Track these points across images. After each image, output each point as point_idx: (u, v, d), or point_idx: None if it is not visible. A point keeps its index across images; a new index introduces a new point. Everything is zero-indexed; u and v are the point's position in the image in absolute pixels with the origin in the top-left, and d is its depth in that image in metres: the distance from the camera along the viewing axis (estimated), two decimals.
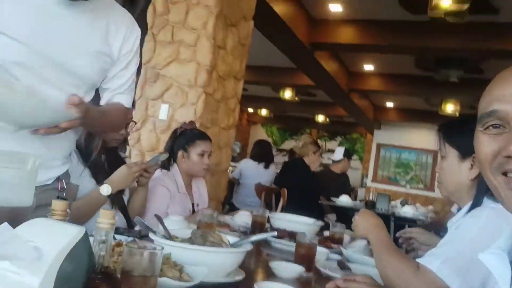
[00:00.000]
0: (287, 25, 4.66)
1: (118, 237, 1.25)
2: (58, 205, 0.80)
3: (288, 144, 13.80)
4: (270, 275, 1.23)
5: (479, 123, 0.71)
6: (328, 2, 5.02)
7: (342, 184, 4.68)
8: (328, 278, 1.31)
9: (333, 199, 4.10)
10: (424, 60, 6.36)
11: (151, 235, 1.07)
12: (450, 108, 7.61)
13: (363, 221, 1.34)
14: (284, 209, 4.02)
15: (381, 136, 11.10)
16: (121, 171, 1.67)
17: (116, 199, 1.76)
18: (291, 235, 1.70)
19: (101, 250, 0.76)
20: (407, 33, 5.17)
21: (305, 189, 4.08)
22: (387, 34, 5.28)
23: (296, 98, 8.85)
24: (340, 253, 1.63)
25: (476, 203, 1.22)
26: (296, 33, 4.91)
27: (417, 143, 10.71)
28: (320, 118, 11.45)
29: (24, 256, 0.61)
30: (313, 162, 4.15)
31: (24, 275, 0.60)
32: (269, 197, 4.40)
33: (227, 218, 2.18)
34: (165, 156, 1.95)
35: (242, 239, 1.19)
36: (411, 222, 3.95)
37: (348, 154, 4.89)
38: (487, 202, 1.20)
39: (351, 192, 4.99)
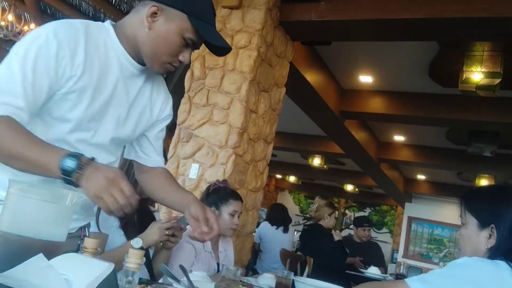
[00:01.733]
0: (317, 94, 4.79)
1: None
2: (90, 242, 0.82)
3: None
4: None
5: None
6: (359, 74, 5.17)
7: (370, 253, 4.50)
8: None
9: (362, 269, 3.93)
10: (456, 133, 6.30)
11: (175, 284, 1.06)
12: (484, 184, 7.39)
13: None
14: (310, 277, 3.88)
15: (412, 209, 10.78)
16: (153, 228, 1.70)
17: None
18: None
19: None
20: (438, 106, 5.19)
21: (329, 254, 3.96)
22: (418, 106, 5.32)
23: (325, 166, 8.85)
24: None
25: None
26: (326, 101, 5.02)
27: (450, 218, 10.31)
28: (349, 187, 11.31)
29: (55, 287, 0.62)
30: (329, 225, 4.08)
31: None
32: (294, 264, 4.27)
33: (250, 279, 2.13)
34: None
35: None
36: None
37: (356, 223, 4.80)
38: None
39: (383, 264, 4.78)
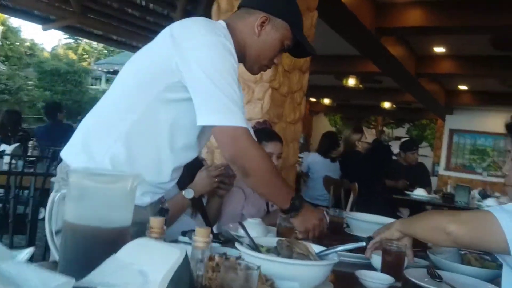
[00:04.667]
0: (351, 12, 4.50)
1: None
2: (156, 222, 0.82)
3: None
4: (357, 285, 1.19)
5: None
6: None
7: (418, 175, 4.46)
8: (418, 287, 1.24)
9: (407, 192, 3.93)
10: (501, 39, 5.88)
11: (237, 245, 1.07)
12: None
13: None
14: (355, 203, 3.93)
15: (453, 121, 10.49)
16: (201, 177, 1.71)
17: (196, 203, 1.80)
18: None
19: (199, 270, 0.77)
20: (481, 11, 4.80)
21: (373, 179, 3.96)
22: (459, 14, 4.93)
23: (361, 86, 8.59)
24: (424, 258, 1.54)
25: None
26: (360, 19, 4.73)
27: (493, 127, 10.01)
28: (386, 105, 11.05)
29: (132, 282, 0.62)
30: (363, 148, 4.04)
31: None
32: (338, 191, 4.32)
33: None
34: None
35: (328, 248, 1.16)
36: None
37: (404, 147, 4.71)
38: None
39: (429, 184, 4.74)
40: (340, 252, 1.17)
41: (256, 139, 1.26)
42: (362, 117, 13.21)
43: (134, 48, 9.53)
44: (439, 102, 9.23)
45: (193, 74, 1.17)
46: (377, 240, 1.34)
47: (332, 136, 4.96)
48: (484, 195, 5.46)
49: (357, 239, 1.60)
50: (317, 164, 4.61)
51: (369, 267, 1.35)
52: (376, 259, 1.37)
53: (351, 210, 3.81)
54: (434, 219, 1.20)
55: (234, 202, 2.04)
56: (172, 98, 1.22)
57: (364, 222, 1.96)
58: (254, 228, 1.66)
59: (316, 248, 1.16)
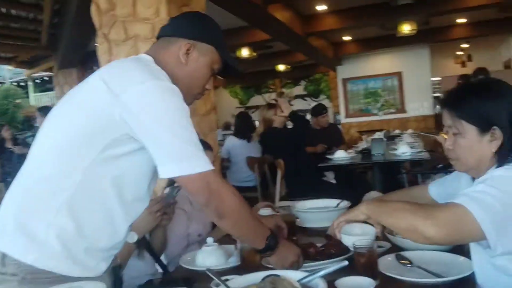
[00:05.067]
0: None
1: None
2: None
3: (255, 101, 13.65)
4: None
5: None
6: None
7: (332, 135, 4.63)
8: (394, 280, 1.25)
9: (329, 157, 4.05)
10: None
11: None
12: (406, 28, 7.59)
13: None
14: (283, 179, 3.97)
15: (344, 71, 11.07)
16: (143, 216, 1.54)
17: (141, 242, 1.64)
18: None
19: None
20: None
21: (296, 151, 4.01)
22: None
23: (254, 54, 8.63)
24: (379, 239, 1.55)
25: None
26: None
27: (380, 69, 10.77)
28: (281, 67, 11.30)
29: None
30: (281, 121, 4.08)
31: None
32: (262, 168, 4.32)
33: None
34: (179, 187, 1.80)
35: (310, 273, 1.11)
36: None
37: (314, 113, 4.86)
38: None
39: (343, 141, 4.94)
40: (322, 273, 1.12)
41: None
42: (260, 83, 13.39)
43: (3, 60, 8.49)
44: (328, 55, 9.64)
45: (144, 126, 1.05)
46: (341, 220, 1.30)
47: (244, 115, 4.92)
48: (389, 137, 5.91)
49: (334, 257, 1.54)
50: (237, 148, 4.56)
51: (346, 271, 1.32)
52: (347, 239, 1.37)
53: (280, 186, 3.85)
54: (408, 219, 1.14)
55: (178, 225, 1.91)
56: (117, 153, 1.08)
57: (312, 213, 1.96)
58: (212, 255, 1.56)
59: (297, 275, 1.10)
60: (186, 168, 1.07)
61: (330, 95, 12.37)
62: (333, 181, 4.14)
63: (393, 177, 5.08)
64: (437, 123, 9.61)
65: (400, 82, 10.66)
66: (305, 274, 1.11)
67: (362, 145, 4.91)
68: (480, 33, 9.51)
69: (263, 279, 1.07)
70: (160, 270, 1.80)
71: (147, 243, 1.70)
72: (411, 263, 1.34)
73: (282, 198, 3.73)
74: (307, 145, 4.27)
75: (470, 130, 1.21)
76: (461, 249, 1.40)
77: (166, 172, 1.07)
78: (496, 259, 1.13)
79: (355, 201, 1.98)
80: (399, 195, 1.72)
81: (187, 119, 1.11)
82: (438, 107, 10.16)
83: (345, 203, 2.03)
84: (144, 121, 1.05)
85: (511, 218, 1.07)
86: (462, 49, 11.58)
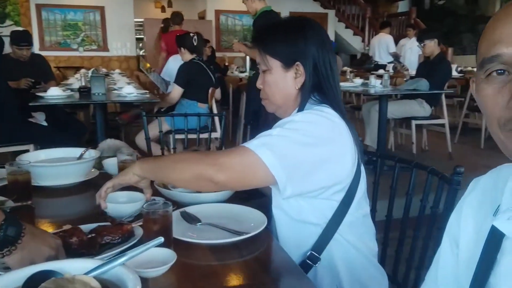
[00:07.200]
0: None
1: None
2: None
3: None
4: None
5: (480, 69, 0.63)
6: None
7: (39, 71, 3.84)
8: (189, 245, 1.08)
9: (40, 94, 3.33)
10: None
11: None
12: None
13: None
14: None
15: None
16: None
17: None
18: None
19: None
20: None
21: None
22: None
23: None
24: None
25: (301, 110, 1.22)
26: None
27: (82, 1, 9.80)
28: None
29: None
30: None
31: None
32: None
33: None
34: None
35: (110, 259, 0.78)
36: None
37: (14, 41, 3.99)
38: (310, 107, 1.21)
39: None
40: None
41: None
42: None
43: None
44: None
45: None
46: (109, 185, 1.18)
47: None
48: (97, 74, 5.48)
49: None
50: None
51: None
52: (113, 207, 1.20)
53: None
54: (192, 168, 1.07)
55: None
56: None
57: (51, 168, 1.52)
58: None
59: (90, 263, 0.77)
60: None
61: (20, 21, 10.47)
62: (44, 123, 3.49)
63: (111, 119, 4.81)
64: (139, 65, 9.66)
65: (102, 17, 10.04)
66: (99, 262, 0.78)
67: (75, 82, 4.34)
68: None
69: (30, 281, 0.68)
70: None
71: None
72: (200, 221, 1.19)
73: None
74: (8, 79, 3.41)
75: (275, 65, 1.21)
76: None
77: None
78: (287, 201, 1.15)
79: (70, 144, 1.78)
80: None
81: None
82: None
83: (92, 153, 1.67)
84: None
85: (302, 162, 1.07)
86: None
